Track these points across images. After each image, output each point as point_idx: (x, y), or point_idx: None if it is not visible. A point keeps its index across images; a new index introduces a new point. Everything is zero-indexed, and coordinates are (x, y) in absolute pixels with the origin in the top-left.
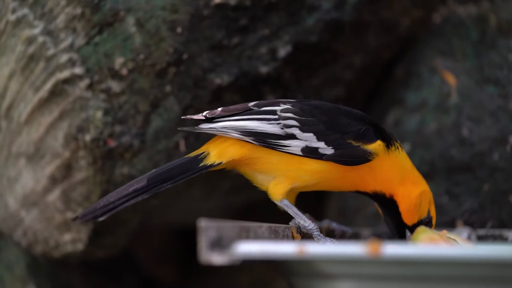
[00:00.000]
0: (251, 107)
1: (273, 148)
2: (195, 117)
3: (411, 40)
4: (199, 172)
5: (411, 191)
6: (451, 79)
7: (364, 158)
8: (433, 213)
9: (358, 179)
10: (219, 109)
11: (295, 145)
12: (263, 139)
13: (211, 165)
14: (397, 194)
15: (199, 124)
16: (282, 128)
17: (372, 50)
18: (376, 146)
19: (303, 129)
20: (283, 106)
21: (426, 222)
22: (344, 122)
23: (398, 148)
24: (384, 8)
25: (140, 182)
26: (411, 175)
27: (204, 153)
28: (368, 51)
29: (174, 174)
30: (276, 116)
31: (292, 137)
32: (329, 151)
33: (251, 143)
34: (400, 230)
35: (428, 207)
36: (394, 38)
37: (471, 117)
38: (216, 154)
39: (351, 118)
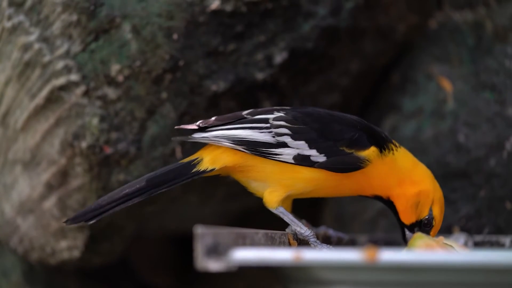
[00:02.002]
0: (245, 116)
1: (264, 157)
2: (189, 126)
3: (407, 46)
4: (191, 177)
5: (408, 191)
6: (447, 85)
7: (357, 165)
8: (436, 212)
9: (355, 185)
10: (213, 118)
11: (287, 153)
12: (255, 148)
13: (204, 171)
14: (393, 195)
15: (192, 134)
16: (273, 137)
17: (368, 56)
18: (370, 152)
19: (294, 137)
20: (276, 114)
21: (426, 222)
22: (337, 129)
23: (393, 149)
24: (380, 14)
25: (131, 187)
26: (410, 175)
27: (197, 159)
28: (364, 57)
29: (167, 179)
30: (268, 125)
31: (284, 145)
32: (321, 158)
33: (243, 151)
34: (402, 230)
35: (430, 206)
36: (390, 44)
37: (467, 123)
38: (209, 160)
39: (344, 124)
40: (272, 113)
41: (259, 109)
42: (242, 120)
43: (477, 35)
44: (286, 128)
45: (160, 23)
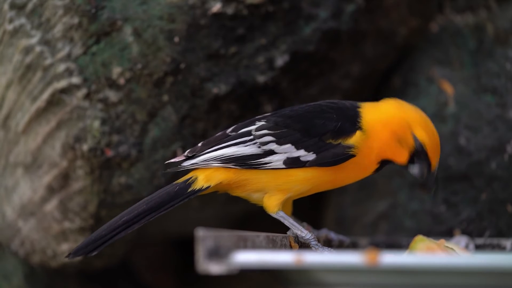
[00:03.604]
0: (229, 133)
1: (255, 168)
2: (177, 159)
3: (409, 49)
4: (188, 197)
5: (384, 136)
6: (448, 88)
7: (347, 154)
8: (420, 135)
9: (352, 173)
10: (199, 144)
11: (276, 160)
12: (244, 162)
13: (200, 190)
14: (383, 154)
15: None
16: (259, 147)
17: (370, 59)
18: (356, 138)
19: (279, 142)
20: (258, 124)
21: (418, 150)
22: (319, 124)
23: (363, 116)
24: (381, 17)
25: (130, 213)
26: (379, 123)
27: (192, 178)
28: (365, 60)
29: (164, 202)
30: (251, 136)
31: (271, 152)
32: (310, 157)
33: (235, 168)
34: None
35: (411, 132)
36: (391, 47)
37: (468, 126)
38: (203, 178)
39: (325, 118)
40: (254, 124)
41: (242, 123)
42: (226, 138)
43: (478, 38)
44: (270, 135)
45: (161, 26)
